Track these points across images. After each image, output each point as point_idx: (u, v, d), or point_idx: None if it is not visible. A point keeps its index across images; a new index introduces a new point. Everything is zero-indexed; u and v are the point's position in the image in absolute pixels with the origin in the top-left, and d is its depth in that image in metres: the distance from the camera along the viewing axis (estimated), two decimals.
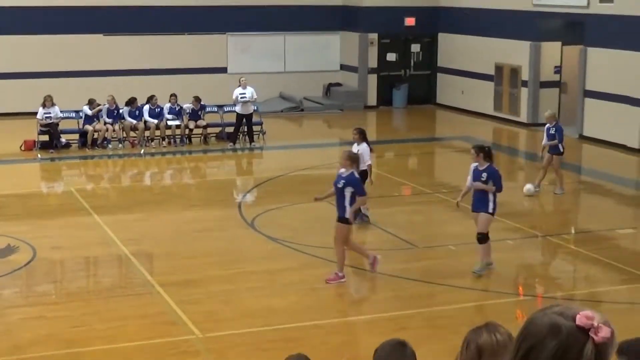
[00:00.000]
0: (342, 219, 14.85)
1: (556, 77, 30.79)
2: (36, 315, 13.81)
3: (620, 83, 26.54)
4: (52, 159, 25.87)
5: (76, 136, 27.05)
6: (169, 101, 27.72)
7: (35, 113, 26.59)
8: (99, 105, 26.90)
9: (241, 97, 27.21)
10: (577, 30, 28.50)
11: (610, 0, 27.01)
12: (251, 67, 32.74)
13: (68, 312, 13.96)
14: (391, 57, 35.08)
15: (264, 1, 33.68)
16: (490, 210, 15.23)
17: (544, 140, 21.03)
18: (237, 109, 27.40)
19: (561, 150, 20.91)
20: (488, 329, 4.81)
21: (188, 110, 27.75)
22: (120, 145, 26.97)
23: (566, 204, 21.65)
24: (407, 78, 35.31)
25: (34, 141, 26.39)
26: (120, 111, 27.24)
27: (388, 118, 33.95)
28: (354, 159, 15.17)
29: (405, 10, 34.42)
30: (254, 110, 27.92)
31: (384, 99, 34.96)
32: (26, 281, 15.51)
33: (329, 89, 35.12)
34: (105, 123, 26.94)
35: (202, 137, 27.98)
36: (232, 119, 27.64)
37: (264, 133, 28.16)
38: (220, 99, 28.58)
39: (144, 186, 24.15)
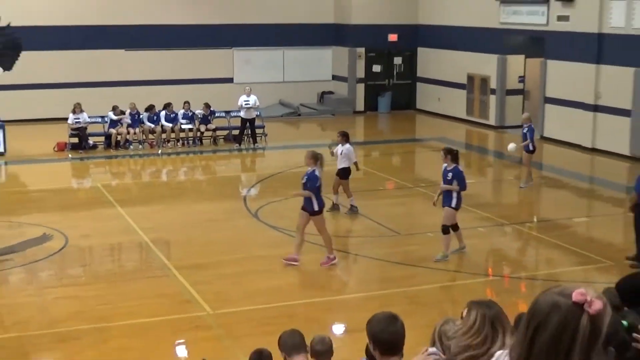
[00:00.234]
0: (311, 212, 14.84)
1: (520, 86, 30.82)
2: (69, 295, 13.84)
3: (575, 91, 26.56)
4: (81, 159, 25.86)
5: (102, 138, 27.05)
6: (183, 107, 27.72)
7: (67, 119, 26.60)
8: (122, 111, 26.92)
9: (245, 104, 27.23)
10: (538, 45, 28.51)
11: (566, 19, 27.05)
12: (254, 77, 32.70)
13: (96, 291, 13.98)
14: (376, 68, 35.06)
15: (265, 20, 33.63)
16: (454, 205, 15.28)
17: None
18: (242, 114, 27.40)
19: (531, 148, 20.94)
20: (488, 304, 4.94)
21: (199, 116, 27.75)
22: (140, 146, 26.97)
23: (529, 196, 21.68)
24: (391, 87, 35.28)
25: (66, 143, 26.41)
26: (140, 116, 27.24)
27: (374, 122, 33.96)
28: (316, 157, 15.07)
29: (389, 28, 34.40)
30: (257, 115, 27.92)
31: (371, 105, 34.91)
32: (60, 265, 15.50)
33: (322, 96, 35.11)
34: (127, 127, 26.95)
35: (211, 139, 27.96)
36: (238, 122, 27.63)
37: (265, 135, 28.15)
38: (227, 105, 28.55)
39: (161, 182, 24.15)
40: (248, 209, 19.47)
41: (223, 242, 16.68)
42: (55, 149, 26.30)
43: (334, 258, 15.04)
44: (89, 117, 26.65)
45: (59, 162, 25.44)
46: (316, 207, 14.80)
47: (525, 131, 20.95)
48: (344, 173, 18.58)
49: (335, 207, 18.69)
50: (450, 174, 15.22)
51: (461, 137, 29.94)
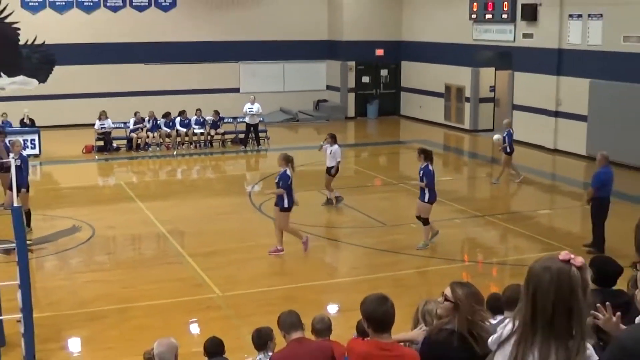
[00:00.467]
0: (280, 208, 14.74)
1: (491, 95, 30.80)
2: (96, 279, 13.83)
3: (539, 99, 26.57)
4: (106, 160, 25.81)
5: (124, 142, 27.01)
6: (195, 114, 27.69)
7: (93, 124, 26.59)
8: (142, 118, 26.92)
9: (250, 111, 27.21)
10: (506, 59, 28.50)
11: (530, 36, 27.05)
12: (258, 87, 32.63)
13: (120, 276, 13.97)
14: (365, 79, 35.02)
15: (268, 37, 33.55)
16: (426, 200, 15.23)
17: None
18: (247, 119, 27.39)
19: (508, 150, 21.01)
20: (466, 285, 5.10)
21: (210, 121, 27.72)
22: (158, 149, 26.92)
23: (500, 191, 21.67)
24: (378, 95, 35.23)
25: (92, 146, 26.37)
26: (158, 122, 27.20)
27: (363, 126, 33.92)
28: (287, 159, 14.96)
29: (376, 44, 34.36)
30: (260, 120, 27.89)
31: (360, 111, 34.86)
32: (88, 253, 15.47)
33: (318, 104, 35.05)
34: (146, 131, 26.92)
35: (220, 142, 27.93)
36: (244, 127, 27.61)
37: (268, 138, 28.11)
38: (234, 112, 28.50)
39: (177, 180, 24.11)
40: (253, 203, 19.44)
41: (231, 232, 16.65)
42: (84, 151, 26.26)
43: (282, 250, 14.82)
44: (112, 123, 26.63)
45: (86, 163, 25.41)
46: (286, 204, 14.70)
47: (504, 135, 21.01)
48: (333, 170, 18.57)
49: (330, 202, 18.68)
50: (421, 171, 15.20)
51: (440, 140, 29.91)
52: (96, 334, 11.41)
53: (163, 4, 32.51)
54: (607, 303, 3.78)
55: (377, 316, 5.09)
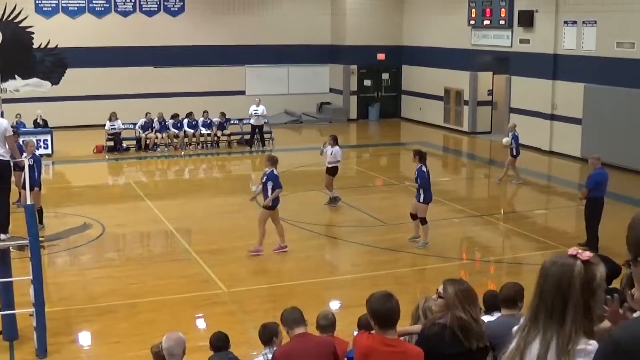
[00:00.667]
0: (265, 206, 14.67)
1: (489, 98, 30.78)
2: (106, 275, 13.83)
3: (535, 102, 26.55)
4: (116, 159, 25.82)
5: (134, 142, 27.02)
6: (202, 116, 27.70)
7: (104, 125, 26.59)
8: (151, 118, 26.94)
9: (255, 113, 27.20)
10: (504, 63, 28.48)
11: (527, 42, 27.03)
12: (263, 90, 32.63)
13: (128, 272, 13.98)
14: (367, 82, 34.99)
15: (273, 42, 33.55)
16: (421, 200, 15.20)
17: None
18: (252, 121, 27.36)
19: (515, 153, 20.98)
20: (457, 282, 5.08)
21: (216, 123, 27.72)
22: (166, 149, 26.92)
23: (497, 191, 21.65)
24: (379, 98, 35.21)
25: (103, 146, 26.38)
26: (166, 123, 27.21)
27: (365, 128, 33.90)
28: (273, 160, 14.97)
29: (378, 48, 34.34)
30: (265, 122, 27.88)
31: (362, 114, 34.85)
32: (98, 250, 15.48)
33: (321, 106, 35.03)
34: (155, 132, 26.92)
35: (226, 143, 27.92)
36: (249, 128, 27.61)
37: (272, 139, 28.11)
38: (240, 114, 28.46)
39: (184, 179, 24.12)
40: (257, 202, 19.39)
41: (236, 230, 16.62)
42: (94, 151, 26.27)
43: (261, 251, 14.68)
44: (122, 124, 26.64)
45: (97, 162, 25.42)
46: (270, 203, 14.64)
47: (510, 138, 20.99)
48: (333, 170, 18.54)
49: (332, 201, 18.65)
50: (415, 172, 15.20)
51: (439, 142, 29.89)
52: (106, 328, 11.41)
53: (172, 9, 32.53)
54: (615, 295, 3.79)
55: (382, 313, 5.10)
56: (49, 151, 25.26)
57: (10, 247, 10.72)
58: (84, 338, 11.27)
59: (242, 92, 33.25)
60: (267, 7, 33.63)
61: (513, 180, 21.52)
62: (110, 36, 31.19)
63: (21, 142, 17.84)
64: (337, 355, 6.63)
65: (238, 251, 15.02)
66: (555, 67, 25.79)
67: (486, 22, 28.96)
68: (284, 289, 12.91)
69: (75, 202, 19.66)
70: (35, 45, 25.27)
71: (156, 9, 32.30)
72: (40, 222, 15.39)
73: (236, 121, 28.33)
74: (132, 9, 31.95)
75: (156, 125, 26.96)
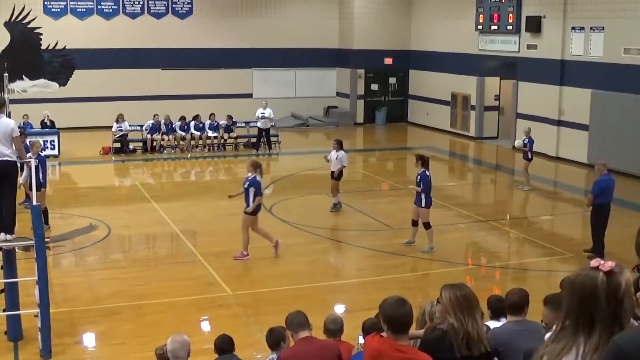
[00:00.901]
0: (246, 212, 14.59)
1: (496, 103, 30.74)
2: (111, 276, 13.83)
3: (542, 108, 26.50)
4: (123, 161, 25.85)
5: (140, 144, 27.05)
6: (209, 118, 27.72)
7: (111, 127, 26.64)
8: (159, 121, 26.99)
9: (262, 116, 27.22)
10: (511, 68, 28.44)
11: (534, 47, 27.01)
12: (270, 93, 32.65)
13: (134, 274, 13.98)
14: (374, 87, 35.00)
15: (280, 45, 33.58)
16: (423, 205, 15.13)
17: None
18: (259, 124, 27.38)
19: (529, 157, 20.95)
20: (460, 286, 5.02)
21: (223, 125, 27.74)
22: (172, 151, 26.96)
23: (503, 196, 21.60)
24: (386, 103, 35.20)
25: (110, 147, 26.41)
26: (173, 125, 27.25)
27: (372, 132, 33.89)
28: (256, 165, 14.90)
29: (385, 53, 34.35)
30: (272, 125, 27.89)
31: (369, 118, 34.84)
32: (103, 251, 15.50)
33: (328, 110, 35.04)
34: (162, 134, 26.96)
35: (233, 145, 27.94)
36: (256, 131, 27.62)
37: (279, 142, 28.12)
38: (247, 116, 28.50)
39: (190, 181, 24.13)
40: (263, 205, 19.39)
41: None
42: (101, 152, 26.31)
43: (247, 255, 14.63)
44: (129, 125, 26.68)
45: (104, 164, 25.46)
46: (251, 210, 14.59)
47: (525, 142, 20.98)
48: (338, 174, 18.48)
49: (335, 207, 18.55)
50: (418, 177, 15.13)
51: (445, 146, 29.88)
52: (110, 329, 11.41)
53: (180, 11, 32.59)
54: None
55: (395, 318, 5.07)
56: (55, 152, 25.30)
57: (16, 248, 10.73)
58: (89, 339, 11.27)
59: (249, 95, 33.28)
60: (275, 10, 33.66)
61: (520, 185, 21.47)
62: (118, 38, 31.26)
63: (28, 143, 17.88)
64: (341, 359, 6.62)
65: None
66: (562, 72, 25.75)
67: (494, 27, 28.93)
68: (289, 293, 12.88)
69: (81, 203, 19.68)
70: (43, 46, 25.35)
71: (164, 12, 32.36)
72: (46, 222, 15.39)
73: (243, 124, 28.35)
74: (140, 11, 32.01)
75: (163, 127, 27.00)
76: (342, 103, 35.17)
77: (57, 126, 26.68)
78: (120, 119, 26.49)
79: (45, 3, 30.51)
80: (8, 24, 24.77)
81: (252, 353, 9.40)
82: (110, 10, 31.58)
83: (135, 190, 21.29)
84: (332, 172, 18.49)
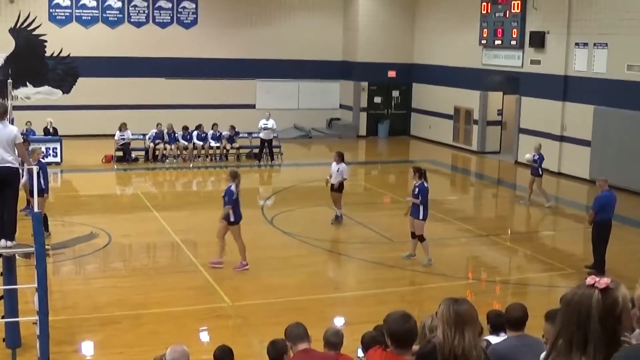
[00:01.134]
0: (228, 222, 14.58)
1: (499, 118, 30.74)
2: (111, 285, 13.81)
3: (544, 123, 26.51)
4: (125, 169, 25.88)
5: (143, 153, 27.07)
6: (212, 128, 27.75)
7: (114, 135, 26.67)
8: (162, 130, 27.03)
9: (264, 126, 27.25)
10: (514, 83, 28.48)
11: (538, 62, 27.05)
12: (273, 104, 32.68)
13: (134, 283, 13.96)
14: (377, 99, 35.03)
15: (284, 56, 33.66)
16: (421, 217, 15.15)
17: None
18: (262, 135, 27.42)
19: (540, 173, 20.90)
20: (458, 302, 4.92)
21: (226, 136, 27.77)
22: (175, 160, 26.97)
23: (505, 211, 21.56)
24: (389, 115, 35.22)
25: (112, 156, 26.44)
26: (176, 135, 27.27)
27: (374, 145, 33.90)
28: (234, 175, 14.87)
29: (388, 66, 34.41)
30: (274, 136, 27.93)
31: (372, 130, 34.85)
32: (104, 259, 15.48)
33: (330, 122, 35.07)
34: (164, 143, 26.99)
35: (235, 156, 27.96)
36: (259, 142, 27.64)
37: (281, 154, 28.14)
38: (250, 127, 28.53)
39: (192, 191, 24.14)
40: (265, 216, 19.42)
41: None
42: (103, 160, 26.33)
43: (247, 265, 14.62)
44: (132, 134, 26.71)
45: (105, 172, 25.47)
46: (232, 219, 14.56)
47: (536, 158, 20.93)
48: (339, 187, 18.42)
49: (337, 219, 18.49)
50: (416, 189, 15.13)
51: (448, 160, 29.87)
52: (109, 338, 11.38)
53: (185, 21, 32.68)
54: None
55: (400, 333, 5.04)
56: (58, 159, 25.32)
57: (16, 255, 10.71)
58: (87, 348, 11.24)
59: (253, 106, 33.31)
60: (279, 22, 33.75)
61: (524, 201, 21.41)
62: (123, 47, 31.34)
63: (29, 150, 17.89)
64: None
65: None
66: (565, 88, 25.77)
67: (497, 42, 28.98)
68: (289, 304, 12.85)
69: (82, 211, 19.68)
70: (47, 54, 25.36)
71: (169, 21, 32.46)
72: (46, 229, 15.38)
73: (245, 134, 28.38)
74: (145, 20, 32.11)
75: (166, 136, 27.03)
76: (345, 115, 35.20)
77: (59, 133, 26.72)
78: (123, 127, 26.53)
79: (51, 10, 30.63)
80: (13, 31, 24.80)
81: None
82: (116, 18, 31.68)
83: (136, 199, 21.28)
84: (332, 185, 18.41)
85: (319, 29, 34.42)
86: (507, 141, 29.67)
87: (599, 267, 14.54)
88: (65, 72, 25.82)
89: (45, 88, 25.60)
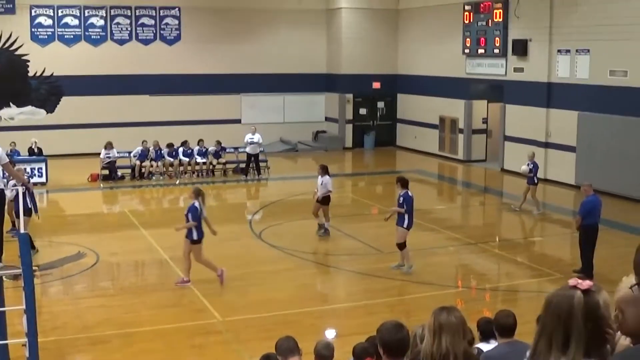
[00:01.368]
0: (191, 241, 14.52)
1: (484, 126, 30.87)
2: (99, 304, 13.75)
3: (529, 130, 26.64)
4: (111, 188, 25.80)
5: (129, 170, 27.00)
6: (198, 144, 27.73)
7: (99, 154, 26.59)
8: (147, 147, 26.98)
9: (251, 141, 27.26)
10: (498, 91, 28.63)
11: (521, 70, 27.21)
12: (259, 118, 32.71)
13: (122, 301, 13.90)
14: (362, 111, 35.12)
15: (268, 70, 33.72)
16: (405, 226, 15.22)
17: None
18: (248, 149, 27.42)
19: (535, 181, 20.95)
20: (448, 310, 4.90)
21: (212, 151, 27.76)
22: (161, 177, 26.92)
23: (493, 219, 21.61)
24: (375, 127, 35.32)
25: (98, 174, 26.36)
26: (162, 152, 27.22)
27: (360, 156, 33.96)
28: (197, 193, 14.87)
29: (373, 77, 34.53)
30: (261, 150, 27.93)
31: (358, 142, 34.93)
32: (92, 278, 15.42)
33: (316, 134, 35.13)
34: (150, 160, 26.94)
35: (222, 171, 27.94)
36: (245, 157, 27.64)
37: (268, 168, 28.15)
38: (236, 142, 28.55)
39: (179, 207, 23.99)
40: (253, 230, 19.41)
41: (231, 259, 16.49)
42: (89, 179, 26.25)
43: (188, 281, 14.54)
44: (117, 152, 26.64)
45: (92, 191, 25.38)
46: (195, 237, 14.51)
47: (531, 167, 20.98)
48: (324, 200, 18.40)
49: (324, 231, 18.47)
50: (401, 198, 15.22)
51: (434, 170, 29.95)
52: (99, 358, 11.34)
53: (168, 37, 32.69)
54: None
55: (393, 343, 5.04)
56: (43, 179, 25.23)
57: (4, 276, 10.65)
58: None
59: (238, 121, 33.32)
60: (263, 36, 33.81)
61: (516, 207, 21.45)
62: (106, 64, 31.32)
63: None
64: None
65: (233, 280, 14.93)
66: (549, 95, 25.94)
67: (480, 50, 29.15)
68: (278, 318, 12.84)
69: (69, 230, 19.61)
70: (30, 73, 25.31)
71: (152, 38, 32.46)
72: (33, 247, 15.30)
73: (232, 149, 28.38)
74: (128, 38, 32.11)
75: (152, 153, 26.99)
76: (331, 128, 35.27)
77: (44, 153, 26.64)
78: (108, 146, 26.46)
79: (33, 30, 30.60)
80: None
81: None
82: (98, 36, 31.66)
83: (123, 217, 21.23)
84: (319, 198, 18.39)
85: (303, 43, 34.52)
86: (493, 149, 29.81)
87: (587, 271, 14.60)
88: (49, 92, 25.78)
89: (29, 108, 25.54)
